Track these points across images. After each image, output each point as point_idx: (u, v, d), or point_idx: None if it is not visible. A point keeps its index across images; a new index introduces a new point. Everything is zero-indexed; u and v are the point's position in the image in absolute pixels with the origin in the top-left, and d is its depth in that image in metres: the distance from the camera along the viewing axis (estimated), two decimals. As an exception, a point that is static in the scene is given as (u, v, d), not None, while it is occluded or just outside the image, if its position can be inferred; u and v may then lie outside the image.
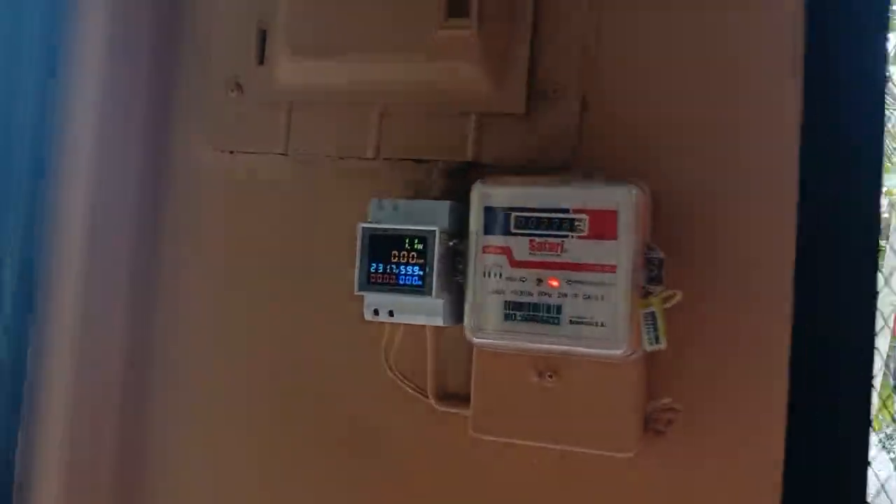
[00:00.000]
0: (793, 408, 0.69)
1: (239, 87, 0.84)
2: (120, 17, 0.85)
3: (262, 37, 0.83)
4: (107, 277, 0.87)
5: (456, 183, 0.76)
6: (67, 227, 0.85)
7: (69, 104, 0.85)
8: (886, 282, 2.06)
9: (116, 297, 0.88)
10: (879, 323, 0.80)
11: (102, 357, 0.87)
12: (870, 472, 0.76)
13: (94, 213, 0.85)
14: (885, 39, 0.72)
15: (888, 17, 0.71)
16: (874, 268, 0.70)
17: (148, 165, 0.88)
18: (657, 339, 0.64)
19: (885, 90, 0.68)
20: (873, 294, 0.71)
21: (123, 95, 0.86)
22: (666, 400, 0.71)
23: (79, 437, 0.85)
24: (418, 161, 0.78)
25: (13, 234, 0.84)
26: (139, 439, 0.88)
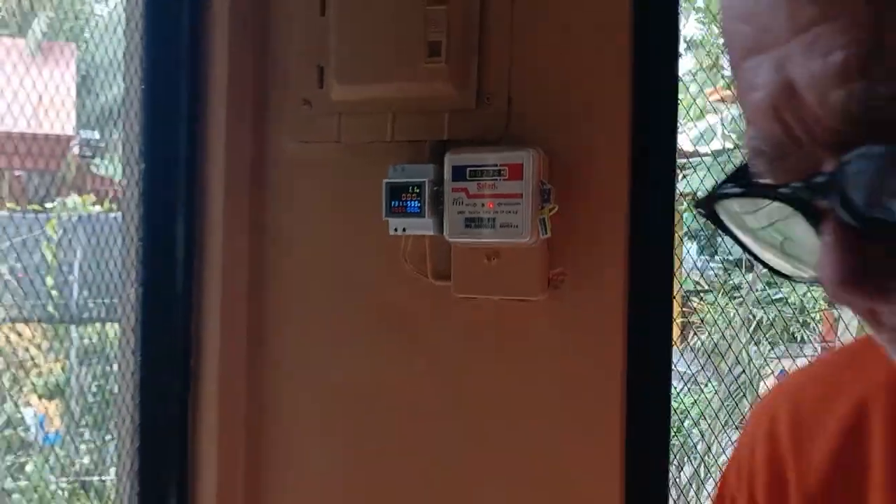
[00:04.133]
0: (632, 266, 1.23)
1: (308, 103, 1.40)
2: (236, 60, 1.42)
3: (321, 71, 1.38)
4: (234, 245, 1.44)
5: (438, 153, 1.31)
6: (213, 202, 1.42)
7: (208, 114, 1.42)
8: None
9: (240, 271, 1.44)
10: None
11: (236, 330, 1.44)
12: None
13: (229, 191, 1.42)
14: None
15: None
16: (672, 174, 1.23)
17: (256, 152, 1.45)
18: (545, 231, 1.19)
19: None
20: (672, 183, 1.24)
21: (241, 109, 1.43)
22: (559, 269, 1.25)
23: (225, 388, 1.42)
24: (416, 141, 1.33)
25: (180, 218, 1.42)
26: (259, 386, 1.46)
